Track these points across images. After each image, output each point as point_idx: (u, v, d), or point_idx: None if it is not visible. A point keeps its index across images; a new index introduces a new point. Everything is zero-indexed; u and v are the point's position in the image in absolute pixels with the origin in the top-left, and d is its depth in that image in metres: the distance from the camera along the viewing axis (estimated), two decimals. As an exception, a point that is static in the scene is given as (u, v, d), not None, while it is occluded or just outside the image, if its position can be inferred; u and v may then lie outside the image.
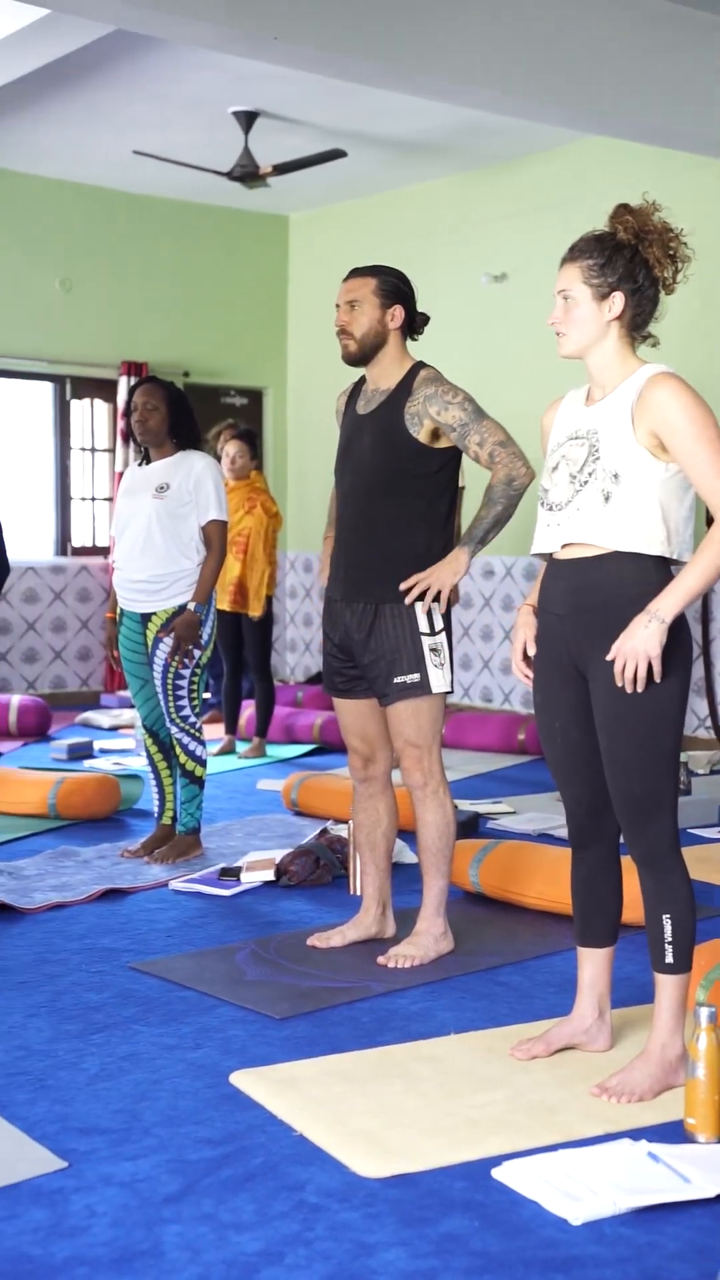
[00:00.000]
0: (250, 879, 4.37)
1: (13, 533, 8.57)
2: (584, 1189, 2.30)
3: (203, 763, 4.69)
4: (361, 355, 3.60)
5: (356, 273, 3.61)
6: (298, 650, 9.84)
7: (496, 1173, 2.39)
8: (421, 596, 3.47)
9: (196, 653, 4.61)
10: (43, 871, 4.50)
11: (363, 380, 3.69)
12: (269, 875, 4.38)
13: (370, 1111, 2.65)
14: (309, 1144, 2.52)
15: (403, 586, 3.49)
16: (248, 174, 7.16)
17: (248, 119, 7.21)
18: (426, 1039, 3.05)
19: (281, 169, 7.11)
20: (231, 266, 9.50)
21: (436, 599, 3.49)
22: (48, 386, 8.96)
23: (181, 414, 4.67)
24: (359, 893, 4.14)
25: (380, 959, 3.58)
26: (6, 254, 8.58)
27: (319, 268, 9.45)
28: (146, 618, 4.64)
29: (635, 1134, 2.54)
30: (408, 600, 3.48)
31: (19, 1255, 2.11)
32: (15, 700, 7.42)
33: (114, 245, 8.99)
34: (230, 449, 6.77)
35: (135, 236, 9.06)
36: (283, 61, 5.18)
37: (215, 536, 4.63)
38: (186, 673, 4.60)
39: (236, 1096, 2.72)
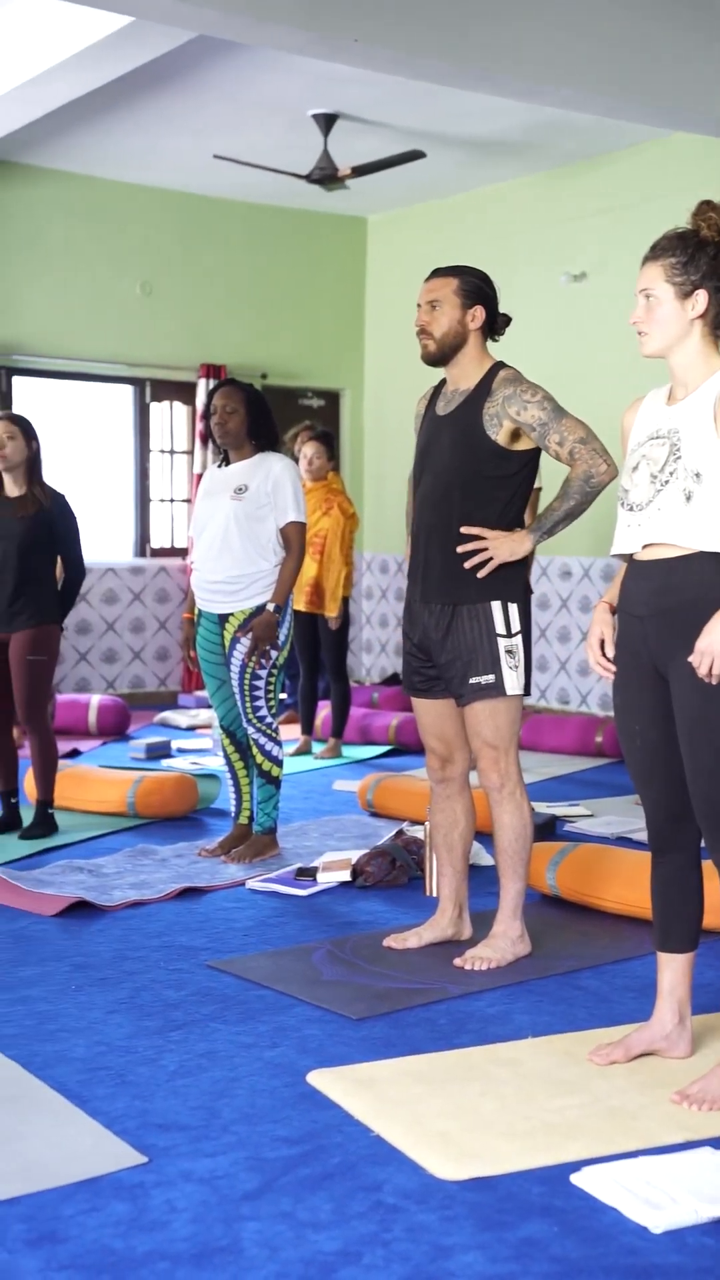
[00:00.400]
0: (326, 879, 4.38)
1: (93, 534, 8.70)
2: (665, 1197, 2.27)
3: (279, 763, 4.71)
4: (440, 355, 3.59)
5: (438, 273, 3.61)
6: (374, 651, 9.85)
7: (576, 1178, 2.37)
8: (471, 555, 3.47)
9: (273, 653, 4.63)
10: (122, 869, 4.55)
11: (443, 383, 3.69)
12: (345, 876, 4.38)
13: (447, 1113, 2.64)
14: (386, 1144, 2.52)
15: (464, 530, 3.48)
16: (326, 176, 7.18)
17: (327, 121, 7.23)
18: (504, 1042, 3.04)
19: (360, 171, 7.12)
20: (309, 269, 9.54)
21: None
22: (128, 389, 9.06)
23: (260, 416, 4.69)
24: (435, 894, 4.13)
25: (457, 961, 3.57)
26: (89, 260, 8.69)
27: (397, 269, 9.45)
28: (224, 618, 4.67)
29: (716, 1142, 2.51)
30: (459, 549, 3.48)
31: (101, 1248, 2.14)
32: (95, 700, 7.51)
33: (193, 249, 9.06)
34: (308, 450, 6.79)
35: (214, 240, 9.13)
36: (362, 64, 5.19)
37: (294, 538, 4.65)
38: (263, 673, 4.63)
39: (313, 1096, 2.73)
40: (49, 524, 4.98)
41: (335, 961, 3.61)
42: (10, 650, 4.96)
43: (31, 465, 5.00)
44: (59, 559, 5.08)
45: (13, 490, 5.01)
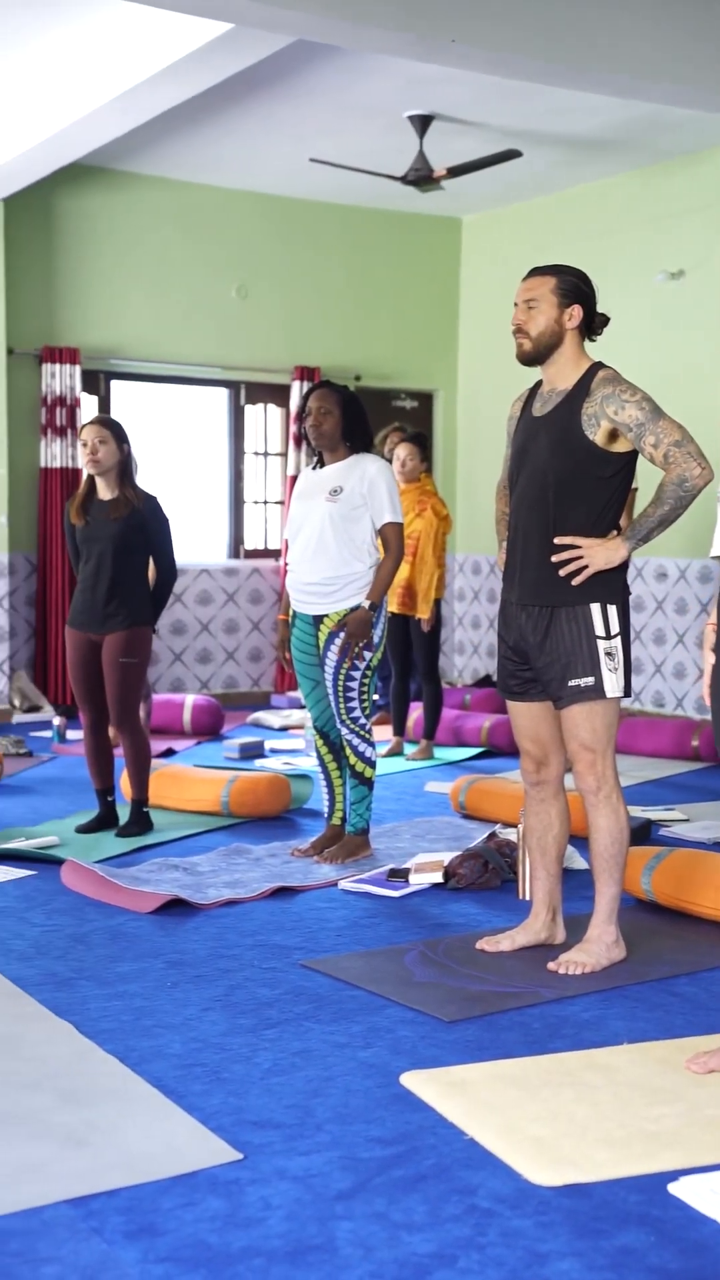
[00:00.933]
0: (419, 881, 4.38)
1: (188, 536, 8.79)
2: (764, 1210, 2.23)
3: (372, 764, 4.72)
4: (536, 354, 3.57)
5: (536, 272, 3.59)
6: (466, 653, 9.82)
7: (673, 1188, 2.34)
8: (566, 562, 3.45)
9: (367, 654, 4.63)
10: (216, 868, 4.59)
11: (539, 384, 3.66)
12: (437, 877, 4.38)
13: (541, 1119, 2.62)
14: (480, 1148, 2.51)
15: (558, 540, 3.46)
16: (422, 178, 7.18)
17: (423, 123, 7.22)
18: (599, 1048, 3.01)
19: (456, 171, 7.10)
20: (403, 270, 9.54)
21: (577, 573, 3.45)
22: (223, 392, 9.14)
23: (355, 418, 4.70)
24: (528, 897, 4.11)
25: (551, 965, 3.55)
26: (187, 264, 8.79)
27: (492, 269, 9.41)
28: (319, 620, 4.69)
29: None
30: (554, 559, 3.45)
31: (197, 1242, 2.16)
32: (190, 700, 7.59)
33: (288, 252, 9.12)
34: (400, 452, 6.79)
35: (309, 242, 9.17)
36: (459, 64, 5.18)
37: (393, 538, 4.66)
38: (357, 675, 4.64)
39: (406, 1097, 2.73)
40: (141, 526, 5.03)
41: (428, 963, 3.61)
42: (103, 652, 5.03)
43: (123, 468, 5.06)
44: (151, 561, 5.14)
45: (105, 493, 5.07)
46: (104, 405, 8.67)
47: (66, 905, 4.16)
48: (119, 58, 5.97)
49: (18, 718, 8.14)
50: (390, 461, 6.81)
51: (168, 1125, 2.59)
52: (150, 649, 5.16)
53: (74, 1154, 2.46)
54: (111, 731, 5.35)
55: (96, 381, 8.64)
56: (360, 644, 4.60)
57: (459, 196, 8.89)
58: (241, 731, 7.79)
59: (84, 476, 5.09)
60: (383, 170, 7.61)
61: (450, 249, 9.70)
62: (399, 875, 4.42)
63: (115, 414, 8.54)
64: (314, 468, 4.81)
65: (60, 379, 8.27)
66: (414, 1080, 2.80)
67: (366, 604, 4.60)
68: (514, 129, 7.46)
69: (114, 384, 8.74)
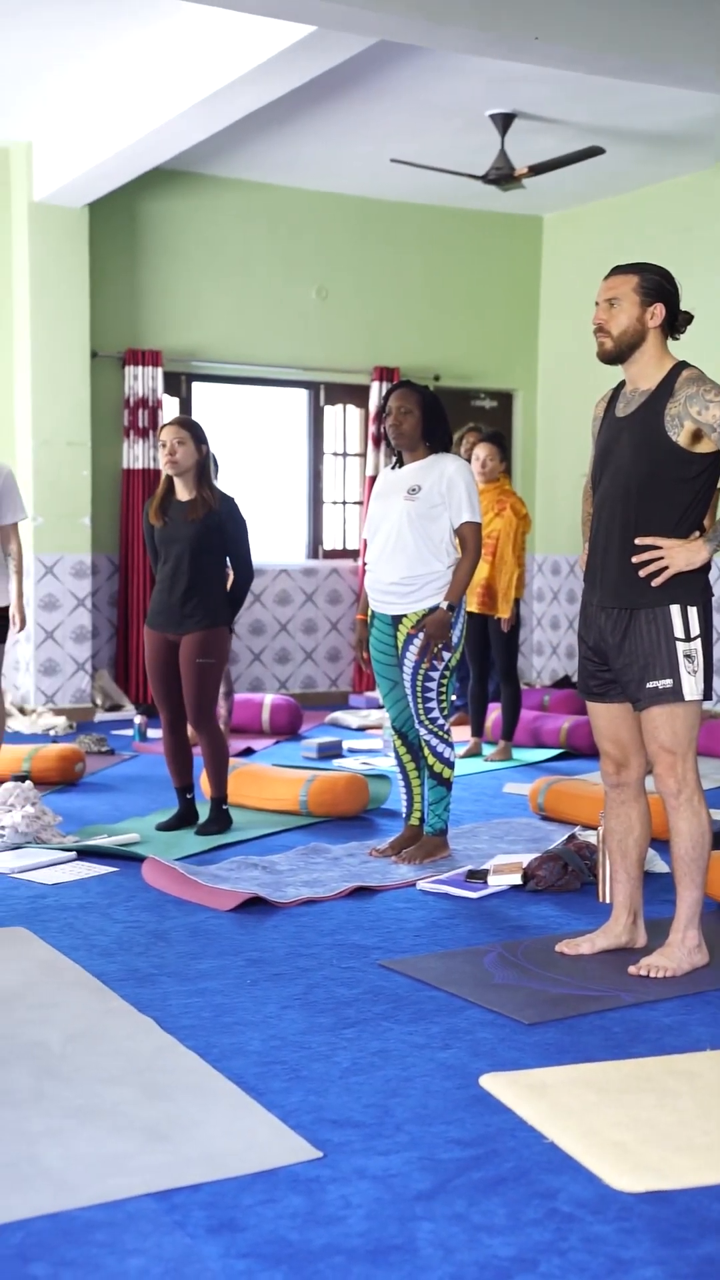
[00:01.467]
0: (497, 882, 4.37)
1: (266, 536, 8.85)
2: None
3: (450, 765, 4.71)
4: (617, 353, 3.54)
5: (619, 270, 3.56)
6: (545, 654, 9.77)
7: (757, 1197, 2.31)
8: (646, 564, 3.42)
9: (446, 655, 4.63)
10: (294, 867, 4.61)
11: (622, 384, 3.64)
12: (516, 879, 4.36)
13: (623, 1124, 2.60)
14: (560, 1152, 2.49)
15: (639, 541, 3.43)
16: (503, 176, 7.15)
17: (504, 121, 7.20)
18: (681, 1054, 2.98)
19: (538, 169, 7.07)
20: (483, 269, 9.51)
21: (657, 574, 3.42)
22: (302, 393, 9.18)
23: (435, 418, 4.70)
24: (609, 900, 4.08)
25: (632, 969, 3.52)
26: (268, 267, 8.84)
27: (573, 268, 9.36)
28: (397, 619, 4.69)
29: None
30: (634, 559, 3.42)
31: (278, 1239, 2.17)
32: (268, 699, 7.63)
33: (368, 253, 9.14)
34: (480, 452, 6.78)
35: (388, 243, 9.18)
36: (542, 61, 5.16)
37: (470, 538, 4.65)
38: (436, 675, 4.63)
39: (486, 1099, 2.72)
40: (219, 528, 5.07)
41: (506, 965, 3.59)
42: (180, 653, 5.08)
43: (201, 470, 5.10)
44: (228, 562, 5.18)
45: (183, 494, 5.12)
46: (185, 407, 8.75)
47: (147, 902, 4.21)
48: (202, 63, 6.03)
49: (100, 716, 8.24)
50: (469, 462, 6.80)
51: (248, 1122, 2.61)
52: (228, 649, 5.20)
53: (156, 1148, 2.49)
54: (190, 731, 5.41)
55: (178, 383, 8.73)
56: (439, 644, 4.60)
57: (540, 194, 8.85)
58: (319, 731, 7.82)
59: (163, 477, 5.14)
60: (463, 169, 7.60)
61: (531, 247, 9.65)
62: (477, 876, 4.41)
63: (196, 415, 8.62)
64: (393, 467, 4.81)
65: (143, 381, 8.36)
66: (494, 1082, 2.79)
67: (444, 605, 4.59)
68: (596, 126, 7.41)
69: (195, 386, 8.82)
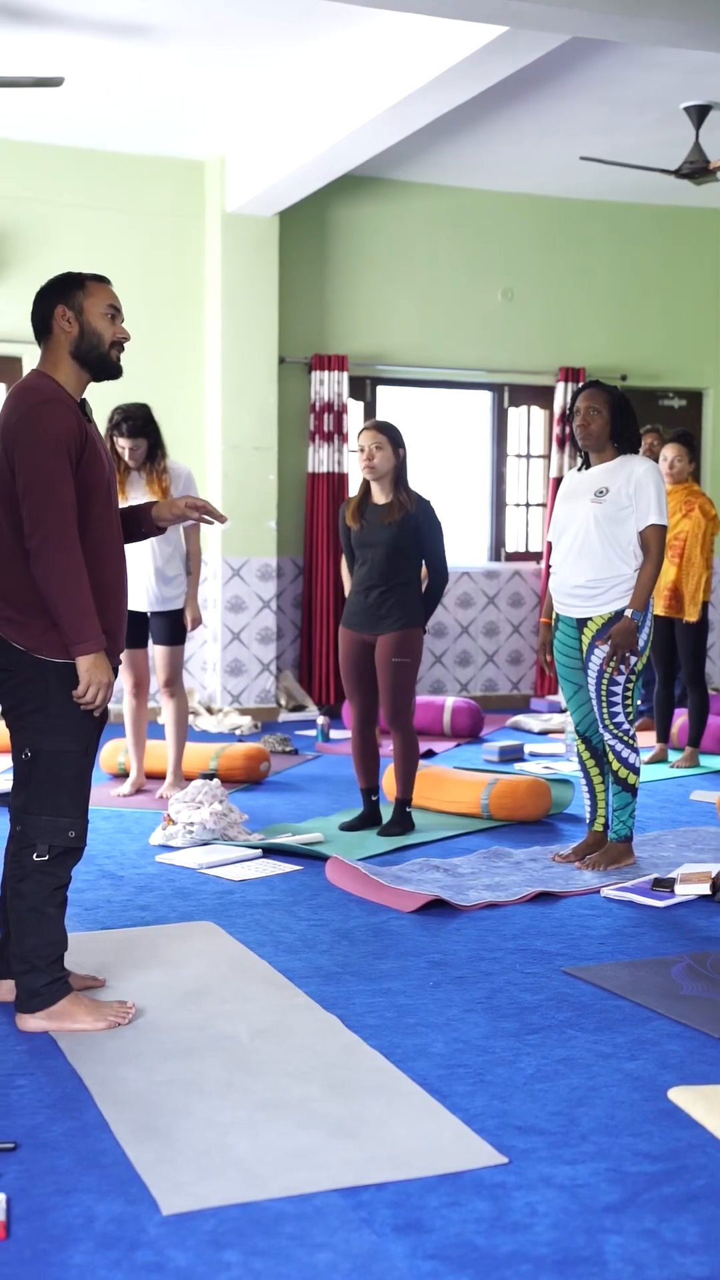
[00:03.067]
0: (685, 891, 4.27)
1: (449, 538, 8.83)
2: None
3: (636, 770, 4.63)
4: None
5: None
6: (733, 660, 9.52)
7: None
8: None
9: (632, 659, 4.55)
10: (476, 870, 4.60)
11: None
12: (704, 889, 4.26)
13: None
14: (753, 1172, 2.42)
15: None
16: (698, 170, 7.00)
17: (699, 113, 7.04)
18: None
19: (732, 162, 6.89)
20: (671, 265, 9.32)
21: None
22: (486, 395, 9.15)
23: (623, 418, 4.63)
24: None
25: None
26: (454, 269, 8.84)
27: (765, 263, 9.09)
28: (582, 622, 4.63)
29: None
30: None
31: (464, 1243, 2.16)
32: (450, 702, 7.63)
33: (554, 252, 9.05)
34: (668, 452, 6.64)
35: (575, 242, 9.08)
36: (739, 51, 5.03)
37: (654, 541, 4.56)
38: (621, 679, 4.56)
39: (675, 1113, 2.66)
40: (415, 529, 5.08)
41: (695, 977, 3.51)
42: (376, 652, 5.11)
43: (398, 473, 5.12)
44: (423, 563, 5.19)
45: (380, 498, 5.15)
46: (370, 410, 8.82)
47: (331, 901, 4.25)
48: (392, 69, 6.06)
49: (283, 716, 8.37)
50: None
51: (433, 1124, 2.61)
52: (422, 649, 5.22)
53: (342, 1144, 2.51)
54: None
55: (363, 387, 8.80)
56: (626, 651, 4.52)
57: (733, 188, 8.63)
58: (501, 735, 7.78)
59: (360, 480, 5.18)
60: (655, 164, 7.46)
61: (722, 243, 9.42)
62: (664, 885, 4.32)
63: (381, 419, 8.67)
64: (579, 469, 4.75)
65: (328, 385, 8.45)
66: (683, 1096, 2.73)
67: (629, 612, 4.51)
68: None
69: (380, 389, 8.88)
